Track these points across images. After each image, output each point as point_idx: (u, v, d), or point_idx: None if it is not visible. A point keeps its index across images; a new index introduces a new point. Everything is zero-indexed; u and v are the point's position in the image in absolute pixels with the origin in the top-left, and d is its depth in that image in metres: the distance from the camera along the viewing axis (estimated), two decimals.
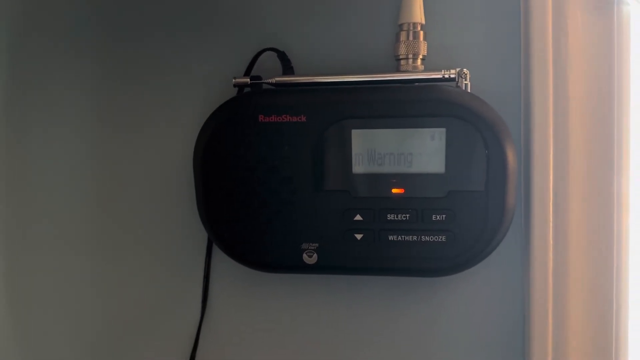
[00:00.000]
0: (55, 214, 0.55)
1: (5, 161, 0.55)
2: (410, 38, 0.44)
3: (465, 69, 0.44)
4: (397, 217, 0.44)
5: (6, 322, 0.57)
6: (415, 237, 0.44)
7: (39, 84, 0.53)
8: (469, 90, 0.44)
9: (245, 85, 0.47)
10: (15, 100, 0.54)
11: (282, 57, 0.47)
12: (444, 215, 0.43)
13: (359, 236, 0.45)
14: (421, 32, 0.44)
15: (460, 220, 0.43)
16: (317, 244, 0.45)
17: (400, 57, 0.45)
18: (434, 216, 0.44)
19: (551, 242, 0.45)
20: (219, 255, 0.52)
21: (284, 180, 0.45)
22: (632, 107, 0.46)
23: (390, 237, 0.44)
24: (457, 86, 0.44)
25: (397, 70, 0.45)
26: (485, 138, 0.42)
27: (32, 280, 0.56)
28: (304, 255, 0.46)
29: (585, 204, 0.45)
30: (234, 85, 0.47)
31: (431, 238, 0.44)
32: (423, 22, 0.45)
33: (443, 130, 0.43)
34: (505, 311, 0.49)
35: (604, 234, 0.45)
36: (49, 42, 0.53)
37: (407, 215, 0.44)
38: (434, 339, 0.50)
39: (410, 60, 0.45)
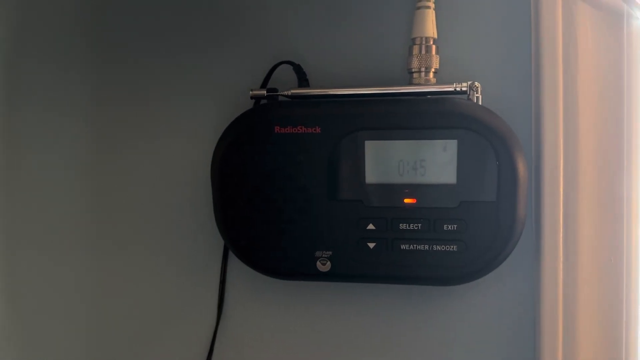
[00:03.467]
0: (73, 221, 0.56)
1: (17, 166, 0.57)
2: (423, 52, 0.45)
3: (476, 82, 0.44)
4: (409, 226, 0.45)
5: (16, 325, 0.59)
6: (427, 247, 0.45)
7: (54, 90, 0.55)
8: (480, 103, 0.45)
9: (261, 97, 0.48)
10: (25, 104, 0.56)
11: (298, 69, 0.49)
12: (455, 225, 0.44)
13: (371, 245, 0.46)
14: (433, 46, 0.46)
15: (471, 230, 0.44)
16: (330, 252, 0.46)
17: (413, 70, 0.46)
18: (445, 226, 0.44)
19: (562, 252, 0.46)
20: (234, 261, 0.53)
21: (298, 189, 0.46)
22: None
23: (403, 246, 0.45)
24: (469, 99, 0.45)
25: (410, 83, 0.46)
26: (496, 149, 0.43)
27: (45, 284, 0.58)
28: (318, 262, 0.46)
29: (595, 214, 0.46)
30: (251, 97, 0.48)
31: (443, 247, 0.45)
32: (435, 36, 0.46)
33: (454, 141, 0.43)
34: (516, 320, 0.49)
35: (614, 244, 0.46)
36: (69, 50, 0.55)
37: (419, 224, 0.45)
38: (445, 348, 0.51)
39: (423, 74, 0.46)
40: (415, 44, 0.46)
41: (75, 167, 0.56)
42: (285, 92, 0.47)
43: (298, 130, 0.45)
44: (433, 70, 0.46)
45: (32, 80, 0.55)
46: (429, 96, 0.46)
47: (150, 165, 0.54)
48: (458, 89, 0.45)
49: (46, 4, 0.54)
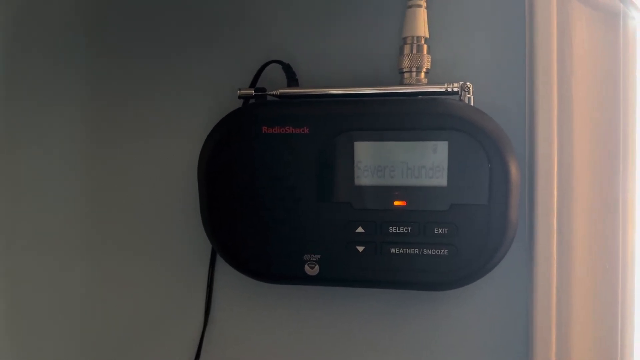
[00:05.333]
0: (59, 223, 0.55)
1: (13, 164, 0.56)
2: (414, 51, 0.45)
3: (468, 83, 0.44)
4: (399, 229, 0.44)
5: (8, 329, 0.58)
6: (417, 250, 0.44)
7: (42, 89, 0.54)
8: (472, 104, 0.44)
9: (249, 96, 0.47)
10: (16, 105, 0.55)
11: (287, 69, 0.48)
12: (446, 229, 0.43)
13: (360, 248, 0.45)
14: (425, 46, 0.45)
15: (462, 233, 0.43)
16: (319, 256, 0.45)
17: (404, 70, 0.45)
18: (436, 229, 0.43)
19: (555, 256, 0.45)
20: (222, 265, 0.52)
21: (286, 191, 0.45)
22: (638, 120, 0.45)
23: (392, 250, 0.44)
24: (460, 99, 0.44)
25: (401, 83, 0.45)
26: (487, 151, 0.42)
27: (32, 286, 0.57)
28: (306, 266, 0.46)
29: (589, 217, 0.45)
30: (239, 97, 0.47)
31: (433, 251, 0.44)
32: (427, 35, 0.45)
33: (445, 143, 0.43)
34: (508, 326, 0.48)
35: (609, 248, 0.45)
36: (66, 49, 0.54)
37: (409, 228, 0.44)
38: (435, 354, 0.50)
39: (414, 74, 0.45)
40: (406, 44, 0.45)
41: (69, 166, 0.55)
42: (274, 92, 0.46)
43: (286, 130, 0.45)
44: (424, 70, 0.45)
45: (29, 79, 0.55)
46: (419, 97, 0.45)
47: (136, 166, 0.53)
48: (449, 89, 0.44)
49: (44, 3, 0.54)
